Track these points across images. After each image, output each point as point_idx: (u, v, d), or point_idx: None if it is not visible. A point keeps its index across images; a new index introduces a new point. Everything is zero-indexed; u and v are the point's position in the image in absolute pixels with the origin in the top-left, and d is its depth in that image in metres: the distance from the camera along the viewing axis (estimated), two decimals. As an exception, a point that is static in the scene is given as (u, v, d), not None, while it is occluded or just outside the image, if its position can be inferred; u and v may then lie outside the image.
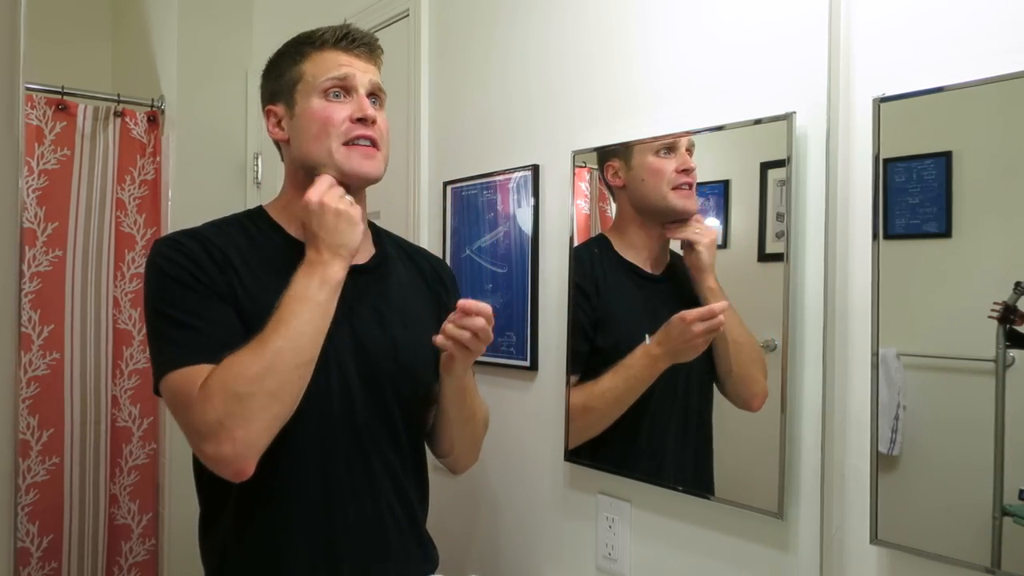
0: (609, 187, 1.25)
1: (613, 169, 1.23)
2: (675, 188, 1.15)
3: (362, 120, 1.03)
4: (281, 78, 1.07)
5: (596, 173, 1.28)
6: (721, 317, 1.07)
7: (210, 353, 0.92)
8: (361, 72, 1.05)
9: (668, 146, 1.15)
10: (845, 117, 0.96)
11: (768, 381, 1.02)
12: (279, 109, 1.08)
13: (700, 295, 1.10)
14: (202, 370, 0.91)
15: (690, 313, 1.09)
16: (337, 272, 0.97)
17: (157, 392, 0.97)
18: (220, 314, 0.97)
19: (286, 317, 0.92)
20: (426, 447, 1.18)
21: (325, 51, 1.05)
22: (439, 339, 1.01)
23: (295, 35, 1.10)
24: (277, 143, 1.13)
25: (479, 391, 1.17)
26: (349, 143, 1.03)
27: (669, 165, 1.15)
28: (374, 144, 1.04)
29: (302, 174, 1.07)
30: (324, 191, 0.99)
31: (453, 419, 1.12)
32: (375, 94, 1.07)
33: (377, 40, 1.10)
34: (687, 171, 1.13)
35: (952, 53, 0.86)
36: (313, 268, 0.96)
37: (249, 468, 0.91)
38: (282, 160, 1.15)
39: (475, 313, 0.97)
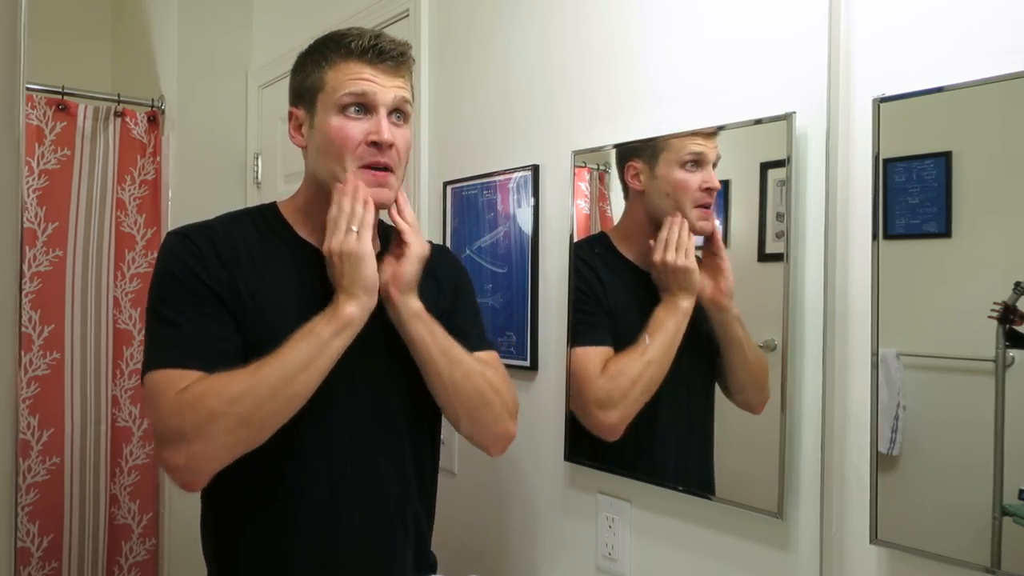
0: (625, 186, 1.22)
1: (635, 170, 1.20)
2: (697, 207, 1.12)
3: (377, 144, 1.00)
4: (305, 80, 1.04)
5: (596, 173, 1.28)
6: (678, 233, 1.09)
7: (193, 358, 0.93)
8: (384, 89, 1.00)
9: (696, 159, 1.12)
10: (845, 117, 0.96)
11: (768, 382, 1.02)
12: (300, 113, 1.05)
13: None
14: (180, 374, 0.91)
15: (665, 255, 1.12)
16: (349, 311, 0.95)
17: (144, 383, 0.97)
18: (213, 318, 0.97)
19: (286, 348, 0.93)
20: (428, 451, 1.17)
21: (351, 61, 1.00)
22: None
23: (327, 33, 1.06)
24: None
25: (465, 361, 1.07)
26: (363, 167, 1.01)
27: (695, 181, 1.12)
28: (389, 168, 1.02)
29: (318, 184, 1.05)
30: (331, 236, 0.98)
31: (439, 385, 1.05)
32: (399, 109, 1.03)
33: (408, 50, 1.04)
34: (710, 190, 1.10)
35: (952, 53, 0.86)
36: (332, 312, 0.96)
37: (199, 483, 0.92)
38: (304, 159, 1.13)
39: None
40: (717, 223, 1.10)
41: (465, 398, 1.06)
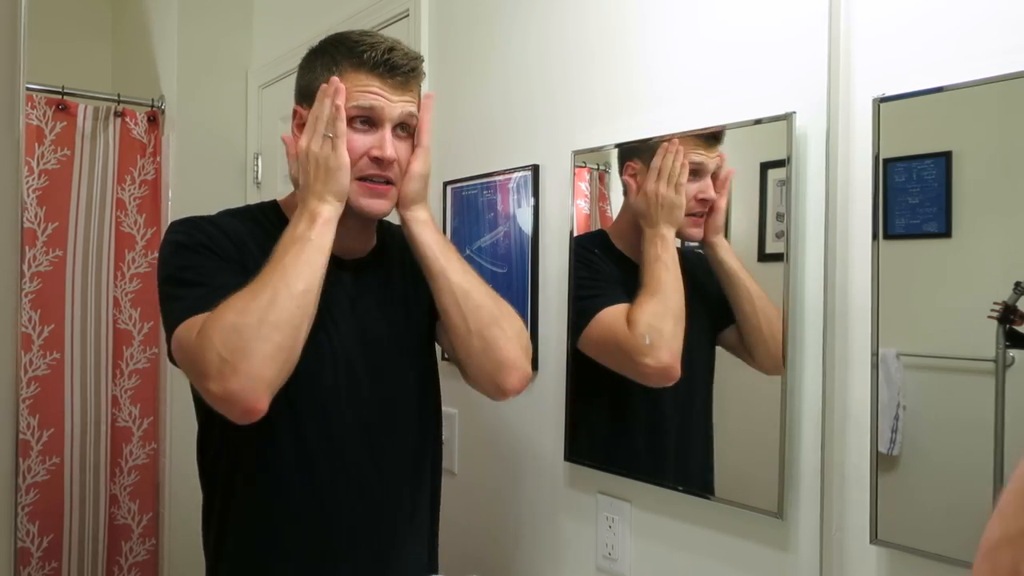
0: (624, 187, 1.21)
1: (633, 170, 1.19)
2: (691, 215, 1.11)
3: (379, 160, 1.00)
4: (314, 82, 1.02)
5: (596, 173, 1.28)
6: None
7: (214, 303, 0.91)
8: (391, 104, 1.00)
9: (695, 169, 1.11)
10: (845, 117, 0.96)
11: (768, 379, 1.02)
12: (305, 113, 1.04)
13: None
14: (200, 318, 0.90)
15: (645, 187, 1.13)
16: (323, 210, 0.95)
17: (172, 359, 0.96)
18: (231, 277, 0.95)
19: (277, 256, 0.93)
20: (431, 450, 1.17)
21: (361, 72, 0.99)
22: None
23: (340, 32, 1.05)
24: None
25: (474, 275, 1.06)
26: (363, 179, 1.01)
27: (691, 191, 1.11)
28: (388, 181, 1.02)
29: None
30: (309, 137, 0.98)
31: (447, 292, 1.03)
32: (405, 123, 1.03)
33: (420, 64, 1.04)
34: (704, 200, 1.09)
35: (952, 53, 0.86)
36: (300, 213, 0.96)
37: (261, 403, 0.87)
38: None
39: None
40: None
41: (474, 308, 1.02)
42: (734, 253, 1.06)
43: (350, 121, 0.99)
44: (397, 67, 1.00)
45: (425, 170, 1.05)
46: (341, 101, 0.97)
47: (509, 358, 1.03)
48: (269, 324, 0.87)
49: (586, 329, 1.24)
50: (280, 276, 0.90)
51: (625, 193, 1.22)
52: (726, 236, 1.08)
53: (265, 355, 0.87)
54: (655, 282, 1.13)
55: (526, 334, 1.09)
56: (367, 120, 1.00)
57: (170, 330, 0.94)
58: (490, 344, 1.02)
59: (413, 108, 1.03)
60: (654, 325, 1.12)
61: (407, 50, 1.03)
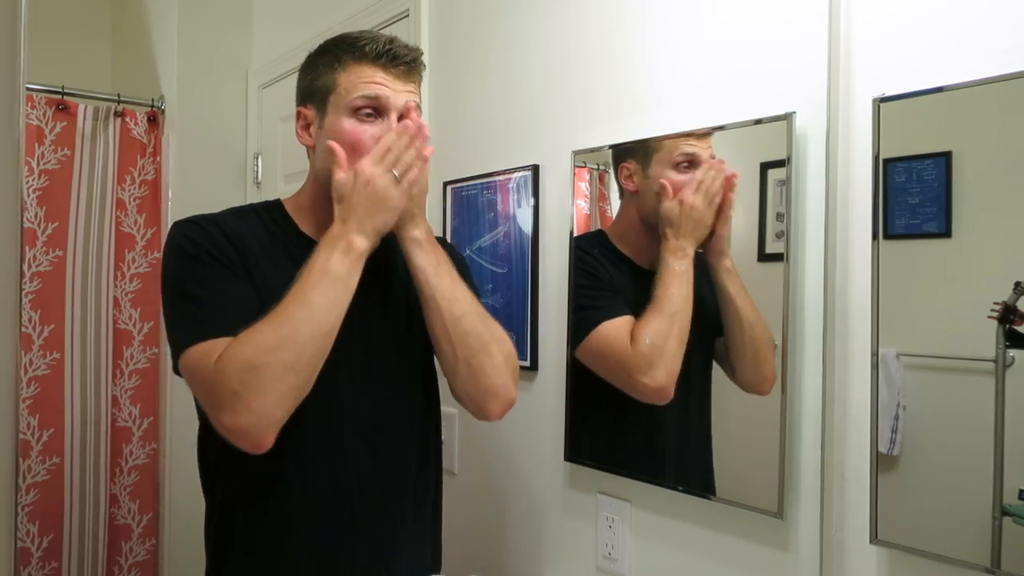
0: (620, 188, 1.22)
1: (628, 171, 1.20)
2: None
3: None
4: (316, 80, 1.04)
5: (596, 173, 1.28)
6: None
7: (228, 327, 0.91)
8: (396, 93, 1.01)
9: (689, 160, 1.11)
10: (845, 117, 0.96)
11: (772, 355, 1.02)
12: (310, 113, 1.06)
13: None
14: (220, 344, 0.91)
15: (683, 195, 1.10)
16: (361, 244, 0.95)
17: (177, 371, 0.97)
18: (238, 289, 0.96)
19: (305, 289, 0.91)
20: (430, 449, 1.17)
21: (364, 64, 1.01)
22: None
23: (339, 34, 1.06)
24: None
25: (467, 300, 1.04)
26: None
27: (686, 180, 1.11)
28: None
29: (325, 184, 1.04)
30: (375, 165, 0.95)
31: (437, 318, 1.02)
32: (408, 113, 1.03)
33: (420, 56, 1.06)
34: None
35: (952, 53, 0.86)
36: (336, 241, 0.94)
37: (267, 439, 0.90)
38: (308, 158, 1.13)
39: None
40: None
41: (463, 335, 1.02)
42: (736, 275, 1.06)
43: (356, 112, 1.00)
44: (399, 57, 1.02)
45: (424, 190, 1.05)
46: (423, 146, 0.99)
47: (495, 385, 1.04)
48: (286, 365, 0.88)
49: (585, 341, 1.24)
50: (307, 314, 0.90)
51: (621, 195, 1.22)
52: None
53: (279, 395, 0.88)
54: (668, 299, 1.13)
55: (515, 357, 1.09)
56: (373, 110, 1.01)
57: (177, 346, 0.95)
58: (477, 372, 1.03)
59: (416, 99, 1.04)
60: (657, 344, 1.13)
61: (407, 43, 1.04)
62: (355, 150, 1.00)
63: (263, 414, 0.88)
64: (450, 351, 1.03)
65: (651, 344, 1.13)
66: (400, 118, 1.02)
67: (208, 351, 0.91)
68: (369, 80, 1.00)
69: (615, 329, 1.20)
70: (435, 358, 1.10)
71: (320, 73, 1.04)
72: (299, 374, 0.90)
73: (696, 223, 1.10)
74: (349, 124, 1.00)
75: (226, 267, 0.98)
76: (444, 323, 1.02)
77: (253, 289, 0.98)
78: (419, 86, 1.06)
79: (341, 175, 0.97)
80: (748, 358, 1.05)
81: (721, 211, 1.08)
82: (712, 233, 1.09)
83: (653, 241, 1.16)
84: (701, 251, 1.11)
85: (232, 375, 0.87)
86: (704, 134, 1.10)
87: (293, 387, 0.89)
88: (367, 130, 1.00)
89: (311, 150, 1.08)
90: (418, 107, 1.05)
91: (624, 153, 1.21)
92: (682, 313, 1.12)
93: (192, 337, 0.93)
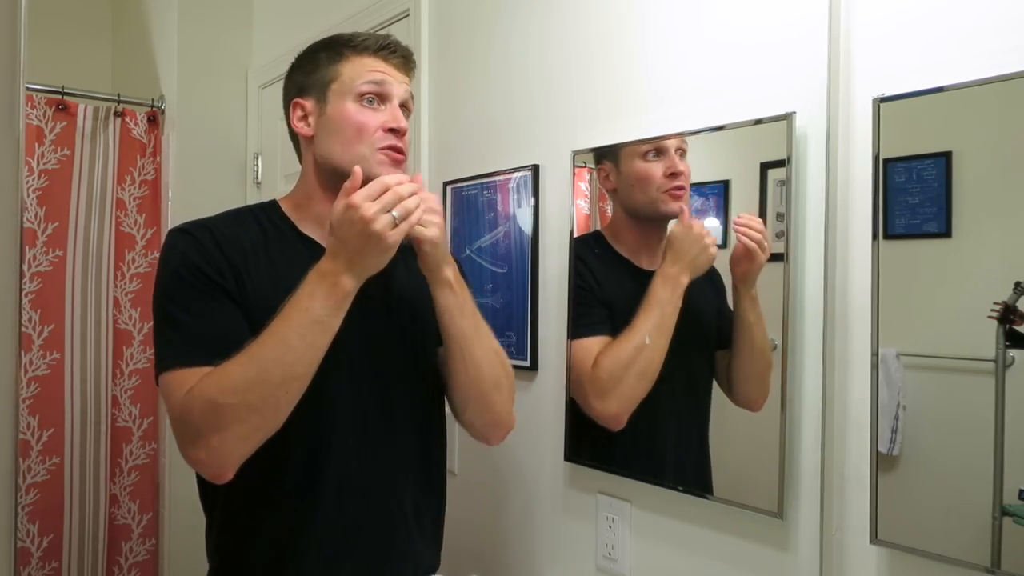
0: (602, 189, 1.26)
1: (605, 172, 1.25)
2: (666, 192, 1.14)
3: (395, 131, 1.03)
4: (314, 74, 1.07)
5: (595, 173, 1.28)
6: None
7: (202, 356, 0.93)
8: (397, 83, 1.06)
9: (656, 149, 1.15)
10: (845, 117, 0.96)
11: (770, 376, 1.02)
12: (308, 104, 1.08)
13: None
14: (192, 374, 0.92)
15: (693, 222, 1.11)
16: (349, 286, 0.92)
17: (159, 385, 0.98)
18: (222, 314, 0.97)
19: (282, 329, 0.90)
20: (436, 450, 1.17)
21: (364, 56, 1.05)
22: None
23: (331, 35, 1.09)
24: (295, 138, 1.12)
25: (486, 339, 1.07)
26: (380, 150, 1.03)
27: (657, 170, 1.15)
28: (401, 153, 1.05)
29: (326, 173, 1.05)
30: (375, 205, 0.90)
31: (459, 359, 1.04)
32: (405, 105, 1.07)
33: (412, 54, 1.11)
34: (675, 175, 1.13)
35: (952, 53, 0.86)
36: (322, 279, 0.91)
37: (226, 474, 0.93)
38: (298, 155, 1.13)
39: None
40: (699, 201, 1.10)
41: (480, 376, 1.05)
42: (758, 304, 1.05)
43: (360, 97, 1.03)
44: (396, 49, 1.07)
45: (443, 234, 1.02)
46: (429, 196, 0.97)
47: (501, 418, 1.10)
48: (251, 407, 0.89)
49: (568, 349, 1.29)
50: (279, 355, 0.89)
51: (608, 195, 1.26)
52: (725, 240, 1.08)
53: (238, 436, 0.90)
54: (639, 331, 1.14)
55: (514, 381, 1.13)
56: (376, 97, 1.04)
57: (158, 366, 0.97)
58: (487, 407, 1.08)
59: (411, 91, 1.09)
60: (615, 374, 1.17)
61: (399, 41, 1.09)
62: (359, 133, 1.02)
63: (222, 452, 0.90)
64: (465, 387, 1.06)
65: (609, 372, 1.17)
66: (400, 107, 1.05)
67: (180, 381, 0.92)
68: (373, 68, 1.05)
69: (583, 349, 1.24)
70: (446, 388, 1.12)
71: (318, 65, 1.07)
72: (264, 415, 0.90)
73: (700, 252, 1.11)
74: (354, 108, 1.03)
75: (213, 284, 0.97)
76: (464, 364, 1.04)
77: (240, 306, 0.98)
78: (411, 83, 1.11)
79: (341, 204, 0.92)
80: (751, 381, 1.06)
81: (760, 253, 1.04)
82: (742, 271, 1.05)
83: (645, 236, 1.20)
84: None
85: (196, 411, 0.90)
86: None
87: (256, 428, 0.91)
88: (372, 115, 1.03)
89: (307, 140, 1.08)
90: (413, 98, 1.09)
91: (600, 157, 1.26)
92: (652, 346, 1.13)
93: (167, 363, 0.95)
